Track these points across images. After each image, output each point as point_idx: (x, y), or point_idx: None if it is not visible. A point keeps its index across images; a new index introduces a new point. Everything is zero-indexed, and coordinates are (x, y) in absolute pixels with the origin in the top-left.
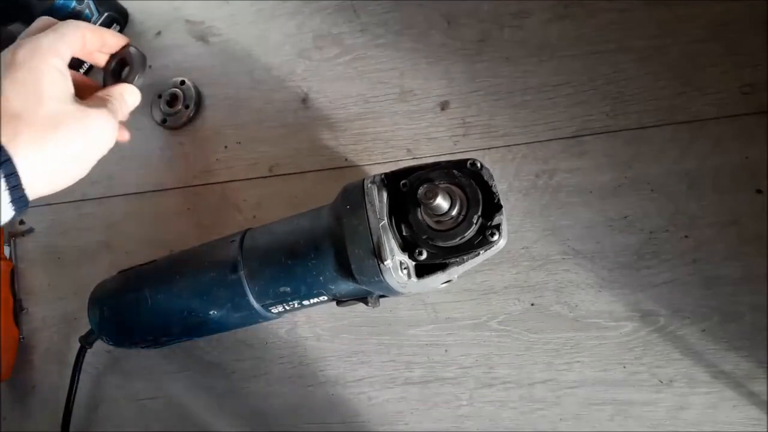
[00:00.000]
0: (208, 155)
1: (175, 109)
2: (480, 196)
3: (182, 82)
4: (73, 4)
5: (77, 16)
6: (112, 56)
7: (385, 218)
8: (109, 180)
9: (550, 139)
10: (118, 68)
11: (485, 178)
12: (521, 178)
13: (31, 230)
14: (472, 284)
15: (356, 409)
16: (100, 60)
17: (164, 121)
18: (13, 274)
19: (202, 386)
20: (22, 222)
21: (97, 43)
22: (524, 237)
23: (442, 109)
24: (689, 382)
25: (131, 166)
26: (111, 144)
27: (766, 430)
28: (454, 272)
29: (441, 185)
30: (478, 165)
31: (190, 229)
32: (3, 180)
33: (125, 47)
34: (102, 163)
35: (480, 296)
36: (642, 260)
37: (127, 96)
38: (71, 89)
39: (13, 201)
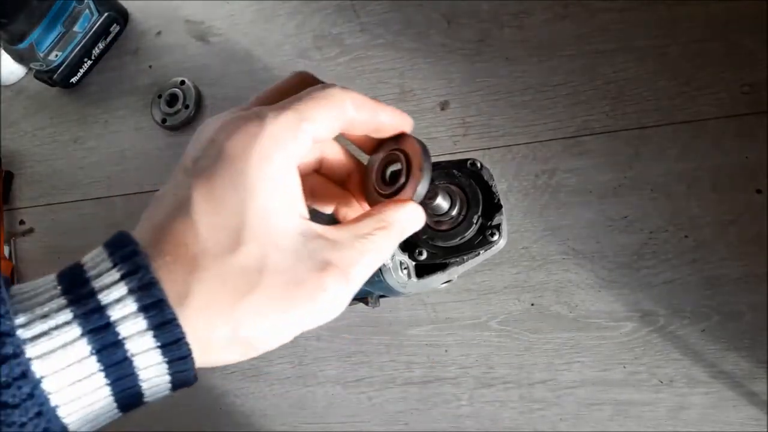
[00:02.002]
0: None
1: (175, 109)
2: (480, 196)
3: (182, 82)
4: (73, 3)
5: (77, 16)
6: (381, 145)
7: None
8: (108, 180)
9: (550, 139)
10: (387, 166)
11: (485, 178)
12: (521, 178)
13: (30, 230)
14: (472, 284)
15: (356, 409)
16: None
17: (164, 120)
18: (13, 274)
19: (202, 386)
20: (22, 222)
21: (365, 128)
22: (524, 237)
23: (442, 109)
24: (689, 382)
25: (131, 166)
26: (333, 317)
27: (765, 430)
28: (454, 272)
29: (441, 185)
30: (478, 165)
31: None
32: (167, 371)
33: (405, 135)
34: (102, 163)
35: (480, 296)
36: (642, 260)
37: (408, 223)
38: (298, 225)
39: (174, 388)
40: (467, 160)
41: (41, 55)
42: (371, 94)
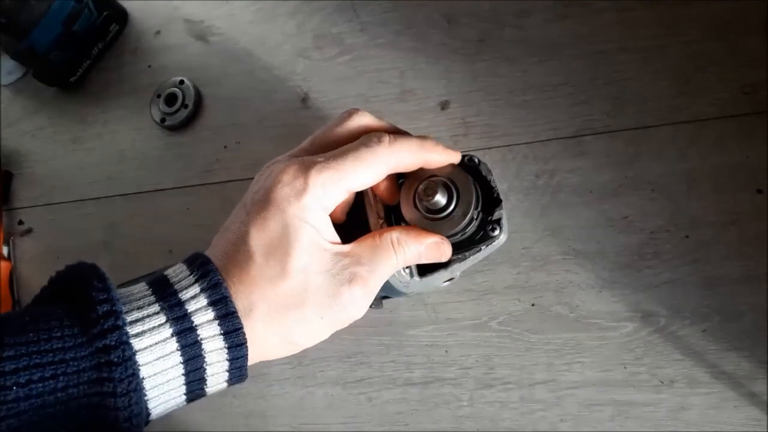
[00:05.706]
0: (208, 155)
1: (174, 108)
2: (479, 192)
3: (181, 82)
4: (72, 3)
5: (76, 16)
6: (424, 176)
7: (384, 217)
8: (108, 180)
9: (551, 139)
10: (429, 195)
11: (483, 173)
12: (521, 178)
13: (30, 230)
14: (472, 284)
15: (356, 409)
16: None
17: (163, 120)
18: (12, 274)
19: None
20: (21, 222)
21: (413, 168)
22: (524, 237)
23: (442, 108)
24: (690, 383)
25: (130, 166)
26: (358, 318)
27: (766, 430)
28: (457, 269)
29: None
30: (476, 160)
31: (189, 229)
32: (226, 356)
33: (451, 167)
34: (102, 163)
35: (480, 297)
36: (642, 260)
37: (436, 254)
38: (330, 252)
39: (231, 379)
40: (465, 156)
41: (40, 54)
42: (371, 94)
